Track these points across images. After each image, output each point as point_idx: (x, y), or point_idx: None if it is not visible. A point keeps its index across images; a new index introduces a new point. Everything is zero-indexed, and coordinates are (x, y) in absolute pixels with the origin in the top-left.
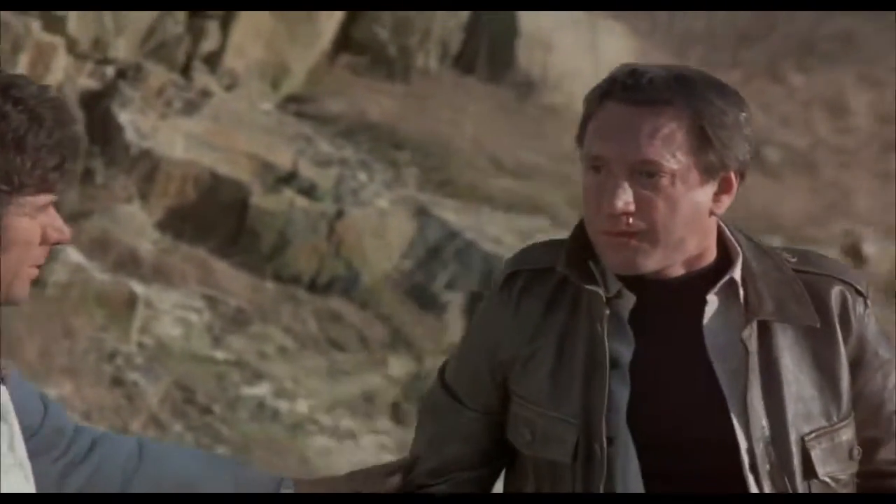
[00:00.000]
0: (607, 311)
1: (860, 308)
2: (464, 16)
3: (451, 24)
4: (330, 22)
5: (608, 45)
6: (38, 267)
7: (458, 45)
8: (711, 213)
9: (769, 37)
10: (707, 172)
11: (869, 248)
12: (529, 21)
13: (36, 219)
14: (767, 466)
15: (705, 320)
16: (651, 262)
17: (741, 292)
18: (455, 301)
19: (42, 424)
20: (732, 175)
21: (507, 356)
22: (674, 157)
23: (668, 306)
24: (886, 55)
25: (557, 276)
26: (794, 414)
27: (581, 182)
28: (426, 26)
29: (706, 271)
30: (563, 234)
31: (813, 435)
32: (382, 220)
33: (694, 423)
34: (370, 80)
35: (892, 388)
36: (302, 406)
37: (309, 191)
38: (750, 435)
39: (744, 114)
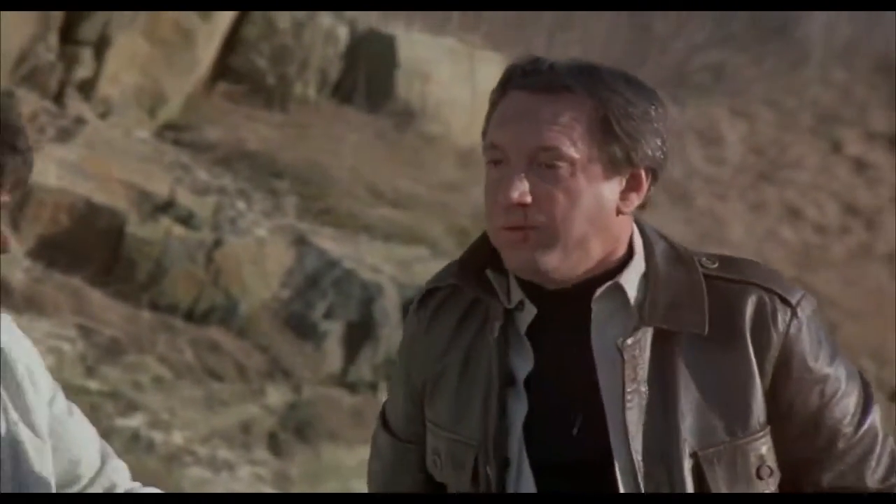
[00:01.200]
0: (499, 323)
1: (783, 318)
2: (342, 45)
3: (329, 54)
4: (207, 49)
5: (486, 76)
6: None
7: (337, 74)
8: (619, 211)
9: (642, 68)
10: (612, 166)
11: None
12: (408, 51)
13: None
14: (653, 486)
15: (592, 329)
16: (551, 261)
17: (631, 298)
18: (334, 330)
19: (92, 482)
20: (642, 172)
21: (419, 379)
22: (574, 145)
23: (565, 316)
24: (757, 87)
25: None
26: (688, 428)
27: (460, 211)
28: (304, 55)
29: (605, 277)
30: (443, 264)
31: (710, 451)
32: (261, 249)
33: (577, 442)
34: (248, 108)
35: (835, 407)
36: (177, 437)
37: (186, 219)
38: (630, 453)
39: (654, 107)
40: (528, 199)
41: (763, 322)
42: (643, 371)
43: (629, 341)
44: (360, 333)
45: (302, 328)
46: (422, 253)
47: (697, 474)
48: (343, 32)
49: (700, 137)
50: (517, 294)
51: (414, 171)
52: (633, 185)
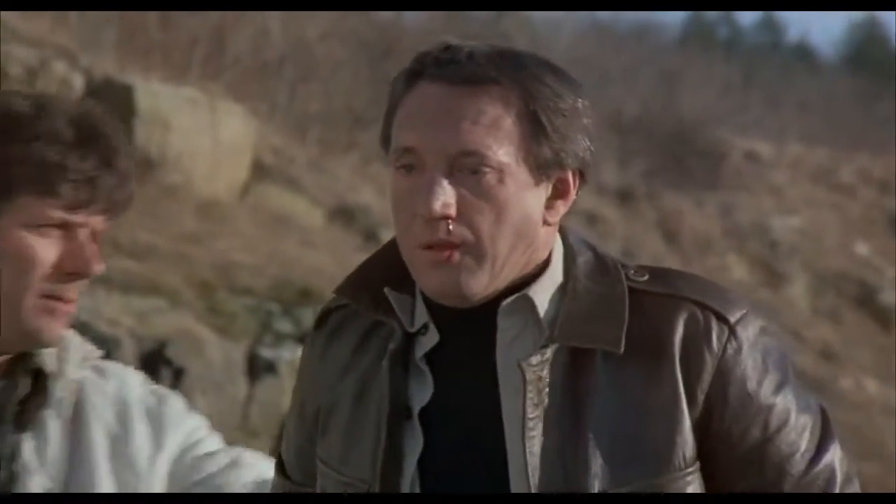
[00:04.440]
0: (392, 346)
1: (719, 337)
2: (78, 93)
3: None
4: None
5: (227, 126)
6: (66, 301)
7: None
8: (545, 222)
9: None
10: (540, 170)
11: None
12: (146, 100)
13: (42, 234)
14: None
15: (497, 349)
16: (477, 284)
17: (542, 312)
18: None
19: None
20: (570, 175)
21: (312, 409)
22: (501, 147)
23: (469, 336)
24: None
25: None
26: (599, 463)
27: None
28: None
29: (514, 290)
30: (183, 316)
31: (626, 489)
32: None
33: (473, 479)
34: None
35: (782, 442)
36: None
37: None
38: (528, 489)
39: (581, 100)
40: (453, 210)
41: (693, 342)
42: (550, 395)
43: (533, 360)
44: None
45: None
46: (161, 304)
47: None
48: (78, 81)
49: None
50: (422, 316)
51: (152, 222)
52: (560, 191)
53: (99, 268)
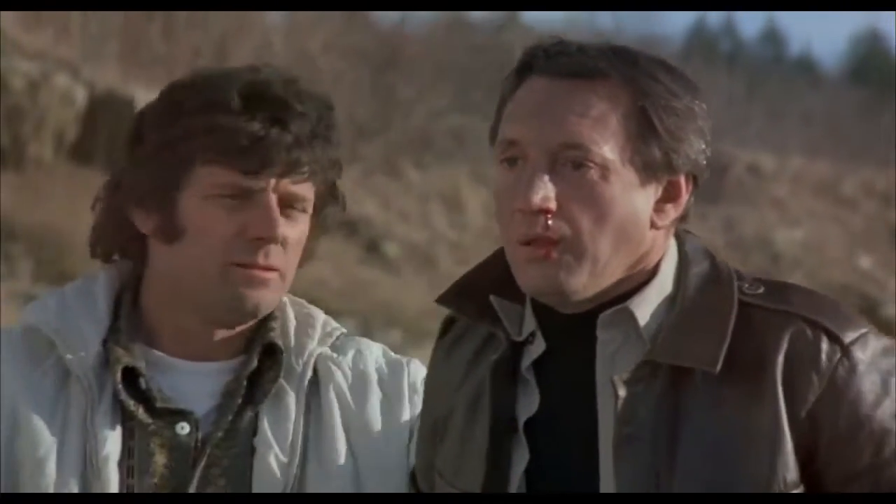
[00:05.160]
0: (494, 356)
1: (829, 357)
2: (81, 106)
3: (66, 115)
4: None
5: None
6: (262, 268)
7: (75, 135)
8: (654, 225)
9: (386, 132)
10: (648, 170)
11: None
12: None
13: (223, 203)
14: None
15: (597, 363)
16: (576, 282)
17: (643, 325)
18: None
19: None
20: (682, 179)
21: (431, 420)
22: (607, 143)
23: (573, 347)
24: None
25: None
26: (696, 485)
27: None
28: (40, 116)
29: (620, 300)
30: None
31: None
32: None
33: (575, 492)
34: None
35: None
36: None
37: None
38: None
39: (698, 102)
40: (552, 204)
41: (799, 362)
42: (645, 413)
43: (626, 376)
44: None
45: None
46: None
47: None
48: (80, 94)
49: (443, 202)
50: (530, 324)
51: None
52: (670, 195)
53: (284, 231)
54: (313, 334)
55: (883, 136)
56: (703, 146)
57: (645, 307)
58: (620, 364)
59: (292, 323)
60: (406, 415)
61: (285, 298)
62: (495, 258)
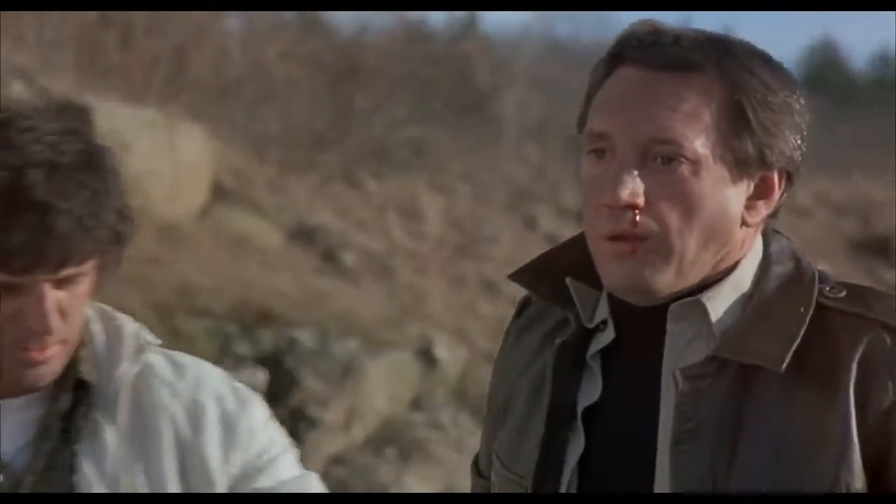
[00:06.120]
0: (560, 339)
1: None
2: None
3: None
4: None
5: (187, 148)
6: (38, 350)
7: None
8: (744, 222)
9: (344, 141)
10: (740, 166)
11: (441, 352)
12: (105, 121)
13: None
14: None
15: (664, 355)
16: (662, 280)
17: (715, 320)
18: None
19: None
20: (775, 175)
21: (495, 403)
22: (699, 138)
23: (642, 337)
24: (455, 163)
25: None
26: (755, 485)
27: None
28: None
29: (695, 293)
30: None
31: None
32: None
33: (626, 488)
34: None
35: None
36: None
37: None
38: None
39: (796, 96)
40: (640, 200)
41: (874, 368)
42: (709, 410)
43: (690, 371)
44: None
45: None
46: None
47: None
48: (36, 102)
49: (401, 211)
50: (603, 311)
51: None
52: (762, 192)
53: (57, 324)
54: (123, 352)
55: (839, 147)
56: (799, 142)
57: (718, 302)
58: (689, 358)
59: (101, 343)
60: (236, 462)
61: (91, 311)
62: (576, 241)
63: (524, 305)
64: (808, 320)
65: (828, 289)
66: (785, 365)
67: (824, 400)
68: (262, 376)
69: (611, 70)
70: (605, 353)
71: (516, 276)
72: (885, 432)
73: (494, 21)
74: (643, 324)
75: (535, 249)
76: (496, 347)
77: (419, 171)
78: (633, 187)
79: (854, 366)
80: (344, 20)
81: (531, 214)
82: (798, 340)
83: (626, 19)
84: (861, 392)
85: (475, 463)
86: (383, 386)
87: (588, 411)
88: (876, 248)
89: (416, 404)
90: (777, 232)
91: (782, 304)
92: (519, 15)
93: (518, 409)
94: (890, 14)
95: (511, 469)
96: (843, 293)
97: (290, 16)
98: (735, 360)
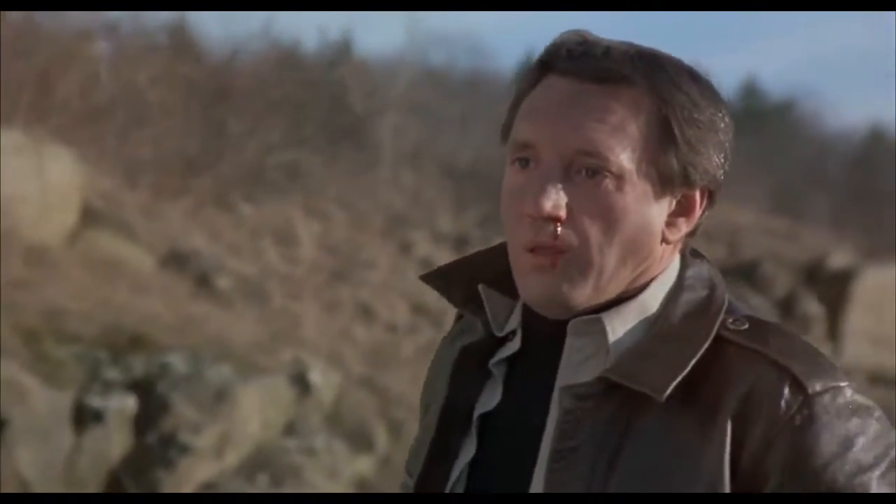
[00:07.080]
0: (462, 343)
1: (787, 405)
2: None
3: None
4: None
5: (55, 172)
6: None
7: None
8: (664, 239)
9: (217, 165)
10: (664, 182)
11: (315, 377)
12: None
13: None
14: None
15: (559, 369)
16: (578, 295)
17: (611, 340)
18: None
19: None
20: (697, 193)
21: (421, 410)
22: (625, 151)
23: (546, 350)
24: (330, 187)
25: None
26: None
27: None
28: None
29: (601, 310)
30: (7, 364)
31: None
32: None
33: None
34: None
35: None
36: None
37: None
38: None
39: (722, 114)
40: (563, 212)
41: (756, 403)
42: (589, 432)
43: (577, 390)
44: None
45: None
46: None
47: None
48: None
49: (275, 236)
50: (514, 322)
51: None
52: (684, 209)
53: None
54: None
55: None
56: (723, 160)
57: (619, 322)
58: (582, 376)
59: None
60: None
61: None
62: (495, 250)
63: (457, 319)
64: (701, 352)
65: (731, 321)
66: (666, 395)
67: (703, 432)
68: (131, 402)
69: (538, 79)
70: (511, 362)
71: (428, 279)
72: (756, 470)
73: (369, 47)
74: (548, 336)
75: (411, 275)
76: (371, 373)
77: (294, 196)
78: (557, 199)
79: (734, 399)
80: (215, 43)
81: (407, 240)
82: (686, 371)
83: (499, 48)
84: (739, 427)
85: (407, 461)
86: (257, 411)
87: (484, 418)
88: (743, 274)
89: (289, 430)
90: (699, 255)
91: (683, 332)
92: (394, 41)
93: (431, 416)
94: (762, 42)
95: (409, 472)
96: (745, 326)
97: (160, 38)
98: (623, 384)
